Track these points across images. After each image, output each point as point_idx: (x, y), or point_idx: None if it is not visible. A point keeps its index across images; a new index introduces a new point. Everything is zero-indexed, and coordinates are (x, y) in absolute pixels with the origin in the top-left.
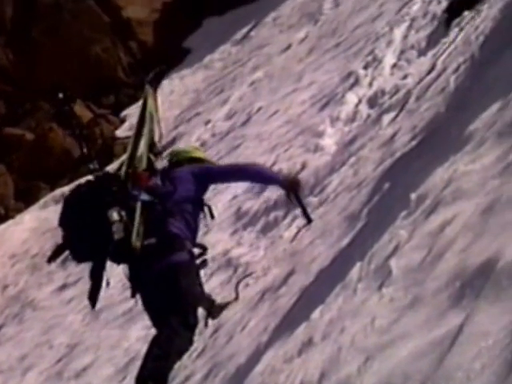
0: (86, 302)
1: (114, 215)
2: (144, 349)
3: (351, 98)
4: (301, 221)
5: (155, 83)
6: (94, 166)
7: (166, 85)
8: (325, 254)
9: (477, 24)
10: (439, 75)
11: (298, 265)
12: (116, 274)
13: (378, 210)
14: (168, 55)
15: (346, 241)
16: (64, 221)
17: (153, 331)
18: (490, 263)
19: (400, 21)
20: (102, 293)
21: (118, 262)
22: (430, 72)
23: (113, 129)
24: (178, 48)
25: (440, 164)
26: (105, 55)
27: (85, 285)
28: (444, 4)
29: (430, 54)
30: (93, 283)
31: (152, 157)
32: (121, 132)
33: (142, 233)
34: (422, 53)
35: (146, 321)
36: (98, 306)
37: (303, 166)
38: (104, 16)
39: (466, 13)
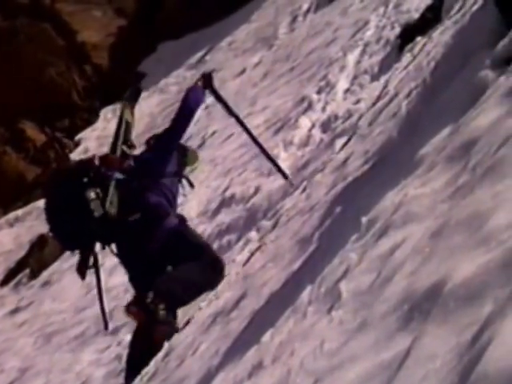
0: (38, 325)
1: (91, 194)
2: (96, 373)
3: (304, 122)
4: (254, 244)
5: (133, 100)
6: None
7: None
8: (276, 278)
9: (429, 50)
10: (391, 100)
11: (250, 288)
12: (68, 297)
13: (329, 233)
14: (123, 79)
15: (297, 264)
16: (48, 209)
17: (105, 355)
18: (438, 286)
19: (353, 46)
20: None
21: (106, 240)
22: (382, 97)
23: (67, 152)
24: (132, 72)
25: (391, 188)
26: (59, 79)
27: (37, 308)
28: (397, 30)
29: (383, 79)
30: (81, 258)
31: (125, 148)
32: (75, 155)
33: (117, 202)
34: (374, 78)
35: (98, 344)
36: (50, 329)
37: (257, 190)
38: (59, 40)
39: (418, 38)
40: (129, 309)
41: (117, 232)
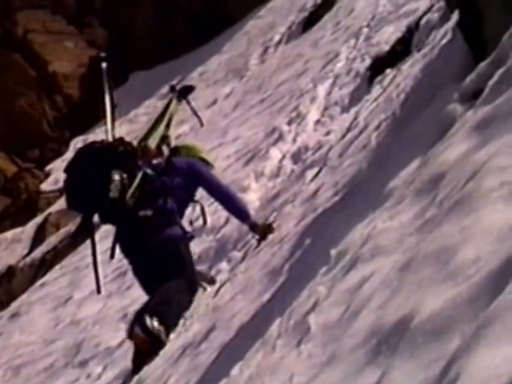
0: (7, 357)
1: (116, 176)
2: None
3: (275, 153)
4: (223, 275)
5: (181, 97)
6: None
7: (90, 139)
8: (245, 310)
9: (398, 82)
10: (361, 132)
11: (219, 320)
12: (37, 329)
13: (299, 265)
14: (93, 109)
15: (266, 296)
16: (71, 167)
17: None
18: (405, 320)
19: (324, 78)
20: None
21: (108, 220)
22: (352, 129)
23: (37, 183)
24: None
25: (360, 220)
26: (30, 109)
27: (5, 340)
28: (368, 62)
29: (353, 110)
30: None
31: (161, 144)
32: (45, 186)
33: (137, 197)
34: (345, 109)
35: (67, 376)
36: (19, 361)
37: (227, 220)
38: (30, 70)
39: (388, 71)
40: (132, 334)
41: (120, 220)
